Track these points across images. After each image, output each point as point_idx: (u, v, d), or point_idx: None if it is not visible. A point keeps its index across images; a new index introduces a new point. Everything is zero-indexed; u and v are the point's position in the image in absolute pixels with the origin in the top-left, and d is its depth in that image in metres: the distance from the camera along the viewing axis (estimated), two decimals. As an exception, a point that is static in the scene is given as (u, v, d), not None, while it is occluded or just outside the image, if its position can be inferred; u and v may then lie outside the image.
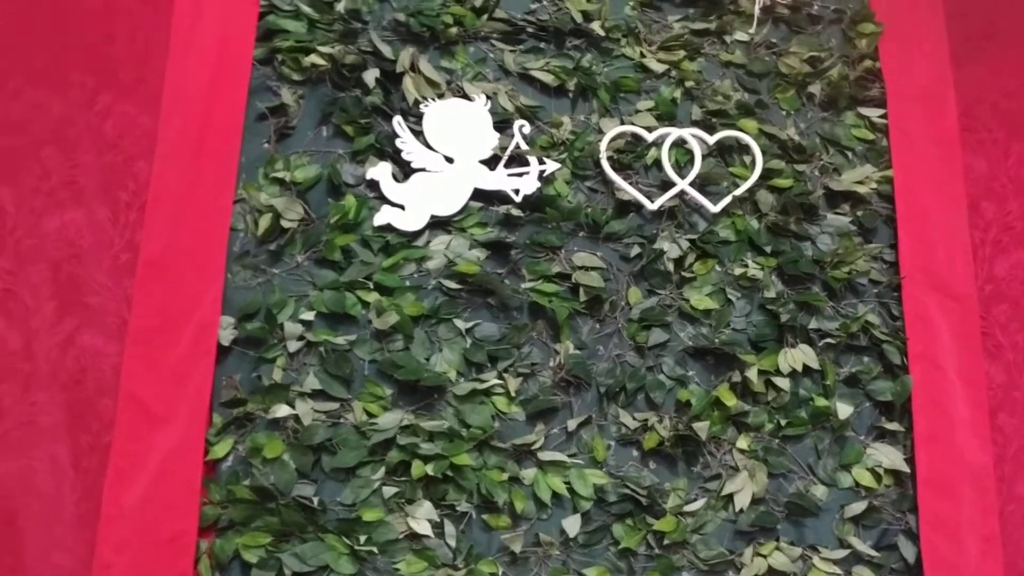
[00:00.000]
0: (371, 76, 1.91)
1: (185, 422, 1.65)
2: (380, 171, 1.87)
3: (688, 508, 1.81)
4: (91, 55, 1.81)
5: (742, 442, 1.86)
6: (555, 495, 1.76)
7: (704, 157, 2.02)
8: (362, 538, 1.66)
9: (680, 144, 2.03)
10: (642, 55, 2.09)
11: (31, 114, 1.74)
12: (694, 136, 2.04)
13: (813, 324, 1.96)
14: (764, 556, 1.80)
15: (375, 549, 1.66)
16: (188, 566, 1.59)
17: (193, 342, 1.68)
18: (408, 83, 1.93)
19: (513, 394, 1.80)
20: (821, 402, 1.90)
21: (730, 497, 1.83)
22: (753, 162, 2.04)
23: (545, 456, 1.78)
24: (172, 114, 1.78)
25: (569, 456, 1.79)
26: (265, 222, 1.78)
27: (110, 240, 1.72)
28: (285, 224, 1.80)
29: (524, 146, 1.95)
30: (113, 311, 1.69)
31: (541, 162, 1.94)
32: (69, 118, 1.76)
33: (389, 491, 1.70)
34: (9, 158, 1.71)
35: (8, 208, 1.68)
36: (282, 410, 1.70)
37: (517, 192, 1.92)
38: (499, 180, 1.92)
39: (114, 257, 1.71)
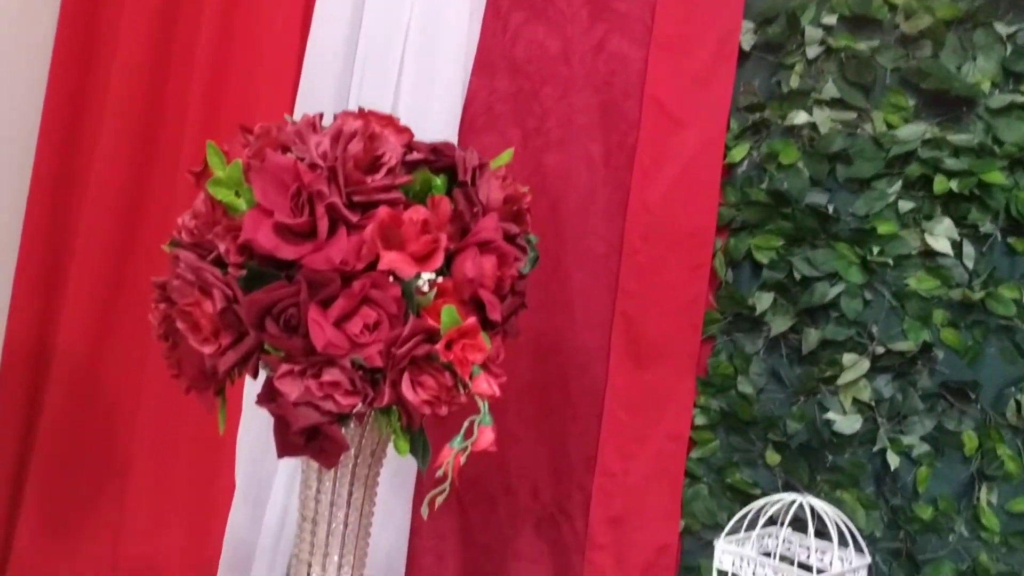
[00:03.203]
0: None
1: (704, 126, 1.71)
2: None
3: None
4: None
5: None
6: (1103, 222, 1.59)
7: None
8: (875, 249, 1.64)
9: None
10: None
11: None
12: None
13: None
14: None
15: (889, 261, 1.64)
16: (706, 259, 1.70)
17: (715, 48, 1.70)
18: None
19: (1058, 108, 1.61)
20: None
21: None
22: None
23: (1093, 178, 1.59)
24: None
25: None
26: (790, -80, 1.70)
27: (635, -53, 1.76)
28: (810, -78, 1.69)
29: None
30: (638, 17, 1.75)
31: None
32: None
33: (905, 205, 1.64)
34: None
35: (547, -82, 1.78)
36: (799, 117, 1.68)
37: None
38: None
39: (639, -37, 1.76)
